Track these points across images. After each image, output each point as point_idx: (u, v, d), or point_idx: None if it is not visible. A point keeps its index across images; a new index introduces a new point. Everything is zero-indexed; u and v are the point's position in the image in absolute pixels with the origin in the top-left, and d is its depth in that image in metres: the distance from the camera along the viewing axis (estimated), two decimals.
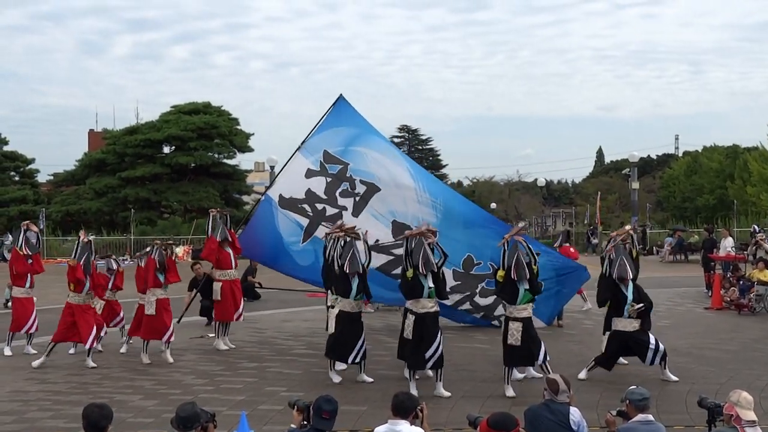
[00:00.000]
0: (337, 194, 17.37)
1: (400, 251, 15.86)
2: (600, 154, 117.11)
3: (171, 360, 15.11)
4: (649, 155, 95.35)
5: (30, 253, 16.34)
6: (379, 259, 16.46)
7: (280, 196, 17.66)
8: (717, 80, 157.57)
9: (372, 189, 17.28)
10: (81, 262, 14.86)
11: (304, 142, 17.88)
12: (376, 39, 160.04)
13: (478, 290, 16.84)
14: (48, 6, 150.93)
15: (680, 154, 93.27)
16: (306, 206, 17.45)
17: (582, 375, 12.94)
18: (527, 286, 12.36)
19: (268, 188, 19.03)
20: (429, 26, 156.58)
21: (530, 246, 12.93)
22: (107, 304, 16.45)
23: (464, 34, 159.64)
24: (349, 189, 17.36)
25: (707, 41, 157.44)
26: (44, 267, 17.40)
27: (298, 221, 17.38)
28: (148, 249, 15.90)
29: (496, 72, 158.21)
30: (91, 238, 15.60)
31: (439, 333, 12.61)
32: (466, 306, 17.05)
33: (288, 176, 17.97)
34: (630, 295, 12.98)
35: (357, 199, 17.30)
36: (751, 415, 7.03)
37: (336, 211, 17.20)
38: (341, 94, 18.21)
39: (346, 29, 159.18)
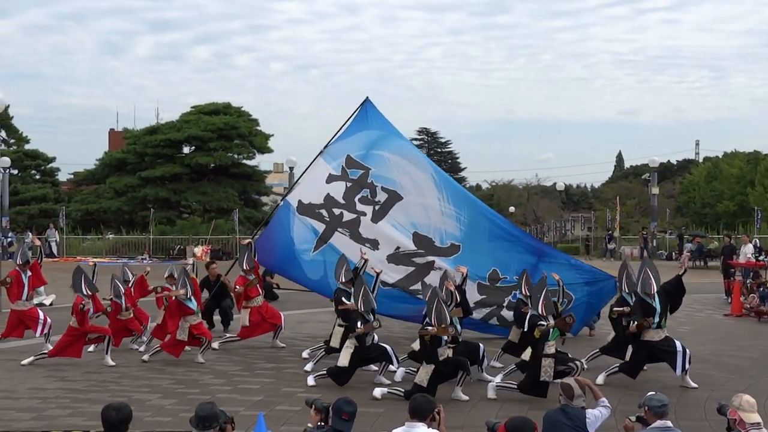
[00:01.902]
0: (356, 200, 17.10)
1: (421, 260, 15.57)
2: (620, 158, 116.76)
3: (202, 360, 15.16)
4: (669, 160, 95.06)
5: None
6: (398, 272, 16.20)
7: (299, 201, 17.42)
8: (738, 86, 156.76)
9: (394, 197, 16.98)
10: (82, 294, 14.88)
11: (326, 146, 17.67)
12: (396, 42, 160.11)
13: (504, 304, 16.45)
14: (70, 6, 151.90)
15: (701, 160, 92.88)
16: (323, 211, 17.19)
17: (600, 379, 12.88)
18: (552, 323, 12.24)
19: (287, 193, 18.81)
20: (449, 29, 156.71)
21: (564, 287, 12.90)
22: (120, 322, 16.17)
23: (485, 37, 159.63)
24: (369, 196, 17.09)
25: (729, 47, 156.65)
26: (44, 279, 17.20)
27: (313, 227, 17.12)
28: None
29: (516, 76, 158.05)
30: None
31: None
32: (494, 321, 16.70)
33: (308, 182, 17.75)
34: (658, 307, 12.91)
35: (377, 207, 17.00)
36: (754, 418, 7.02)
37: (354, 216, 16.98)
38: (367, 97, 17.97)
39: (366, 32, 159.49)
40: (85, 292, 14.79)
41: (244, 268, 16.53)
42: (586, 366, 13.00)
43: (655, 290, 12.93)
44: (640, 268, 13.28)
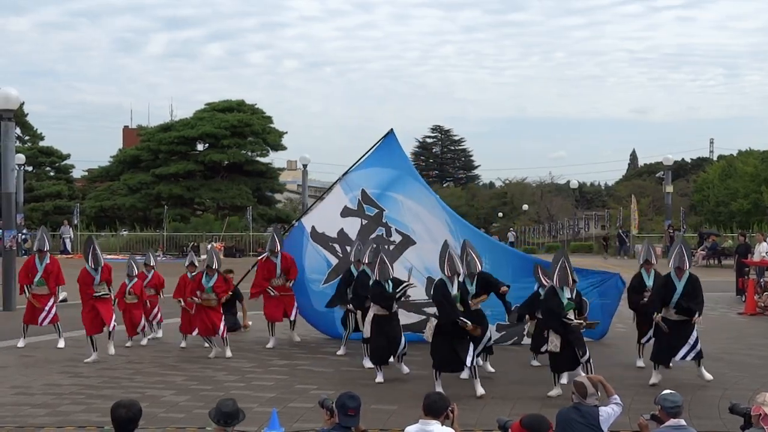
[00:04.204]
0: (370, 240, 16.49)
1: (433, 310, 15.13)
2: (633, 156, 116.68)
3: (230, 354, 15.31)
4: (683, 159, 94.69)
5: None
6: (408, 318, 15.59)
7: (313, 228, 17.08)
8: (752, 84, 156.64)
9: (407, 241, 16.59)
10: None
11: (346, 174, 17.33)
12: (409, 39, 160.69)
13: (525, 332, 15.94)
14: (84, 3, 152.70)
15: (715, 158, 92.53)
16: (336, 246, 16.87)
17: (654, 379, 12.89)
18: (569, 294, 12.24)
19: (303, 215, 18.47)
20: (463, 27, 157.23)
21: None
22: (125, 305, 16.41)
23: (498, 35, 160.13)
24: (385, 236, 16.72)
25: (743, 45, 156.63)
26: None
27: (327, 258, 16.80)
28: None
29: (529, 73, 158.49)
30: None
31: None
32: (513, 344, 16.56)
33: (324, 209, 17.43)
34: (680, 288, 12.99)
35: (391, 248, 16.51)
36: None
37: None
38: (392, 129, 17.49)
39: (379, 29, 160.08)
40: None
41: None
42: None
43: (688, 267, 12.91)
44: (674, 244, 13.40)
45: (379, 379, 13.17)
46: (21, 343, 16.41)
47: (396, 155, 17.37)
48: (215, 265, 15.59)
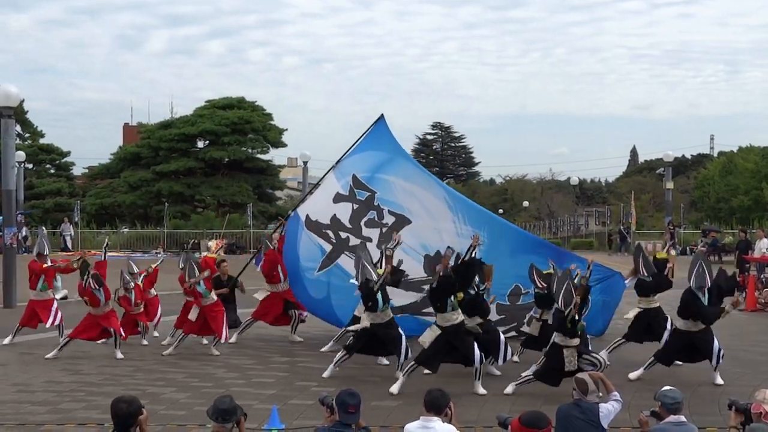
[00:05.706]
0: (362, 224, 16.67)
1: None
2: (634, 153, 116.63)
3: (217, 353, 15.32)
4: (683, 155, 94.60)
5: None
6: (407, 298, 15.62)
7: (307, 216, 17.02)
8: (754, 80, 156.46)
9: (402, 221, 16.49)
10: None
11: (339, 161, 17.33)
12: (411, 36, 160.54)
13: (525, 320, 15.66)
14: (85, 0, 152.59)
15: (715, 155, 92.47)
16: (330, 232, 16.81)
17: (633, 375, 12.86)
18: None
19: (298, 204, 18.54)
20: (464, 23, 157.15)
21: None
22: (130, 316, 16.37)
23: (500, 31, 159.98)
24: (376, 219, 16.69)
25: (744, 41, 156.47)
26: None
27: (321, 246, 16.72)
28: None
29: (530, 70, 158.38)
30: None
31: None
32: (511, 334, 16.39)
33: (318, 197, 17.40)
34: (707, 302, 12.83)
35: (384, 230, 16.48)
36: None
37: (359, 242, 16.14)
38: (382, 114, 17.49)
39: (380, 26, 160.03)
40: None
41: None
42: (608, 362, 12.75)
43: (708, 285, 12.82)
44: (694, 261, 13.30)
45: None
46: (6, 341, 16.47)
47: (386, 139, 17.32)
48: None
